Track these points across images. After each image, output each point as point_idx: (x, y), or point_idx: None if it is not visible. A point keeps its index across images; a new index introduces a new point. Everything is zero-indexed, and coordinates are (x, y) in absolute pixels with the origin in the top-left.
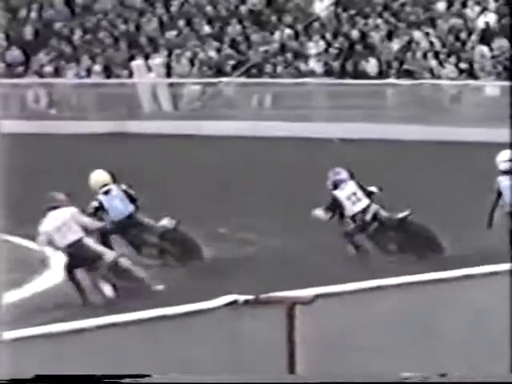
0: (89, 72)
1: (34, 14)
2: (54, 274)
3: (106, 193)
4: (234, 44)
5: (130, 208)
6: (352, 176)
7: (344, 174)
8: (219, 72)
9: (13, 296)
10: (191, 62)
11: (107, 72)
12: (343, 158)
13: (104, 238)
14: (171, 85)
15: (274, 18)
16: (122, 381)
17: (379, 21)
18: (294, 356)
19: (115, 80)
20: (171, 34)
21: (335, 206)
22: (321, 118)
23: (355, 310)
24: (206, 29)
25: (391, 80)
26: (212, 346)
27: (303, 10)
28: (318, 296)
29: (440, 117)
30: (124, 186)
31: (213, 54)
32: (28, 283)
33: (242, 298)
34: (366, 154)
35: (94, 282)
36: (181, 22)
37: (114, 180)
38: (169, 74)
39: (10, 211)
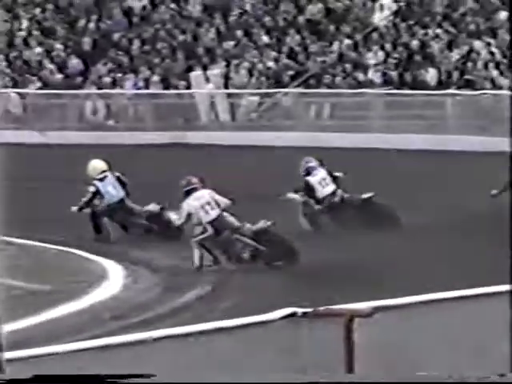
0: (147, 82)
1: (92, 25)
2: (112, 285)
3: (102, 179)
4: (292, 54)
5: (121, 193)
6: (322, 164)
7: (314, 162)
8: (277, 82)
9: (71, 307)
10: (249, 72)
11: (165, 82)
12: (401, 168)
13: (96, 218)
14: (229, 95)
15: (332, 28)
16: (125, 381)
17: (439, 30)
18: (352, 368)
19: (173, 90)
20: (229, 44)
21: (308, 190)
22: (379, 128)
23: (413, 322)
24: (264, 39)
25: (451, 90)
26: (269, 359)
27: (362, 20)
28: (376, 309)
29: (501, 127)
30: (117, 174)
31: (271, 64)
32: (87, 294)
33: (300, 310)
34: (425, 164)
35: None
36: (239, 33)
37: (110, 168)
38: (227, 85)
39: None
